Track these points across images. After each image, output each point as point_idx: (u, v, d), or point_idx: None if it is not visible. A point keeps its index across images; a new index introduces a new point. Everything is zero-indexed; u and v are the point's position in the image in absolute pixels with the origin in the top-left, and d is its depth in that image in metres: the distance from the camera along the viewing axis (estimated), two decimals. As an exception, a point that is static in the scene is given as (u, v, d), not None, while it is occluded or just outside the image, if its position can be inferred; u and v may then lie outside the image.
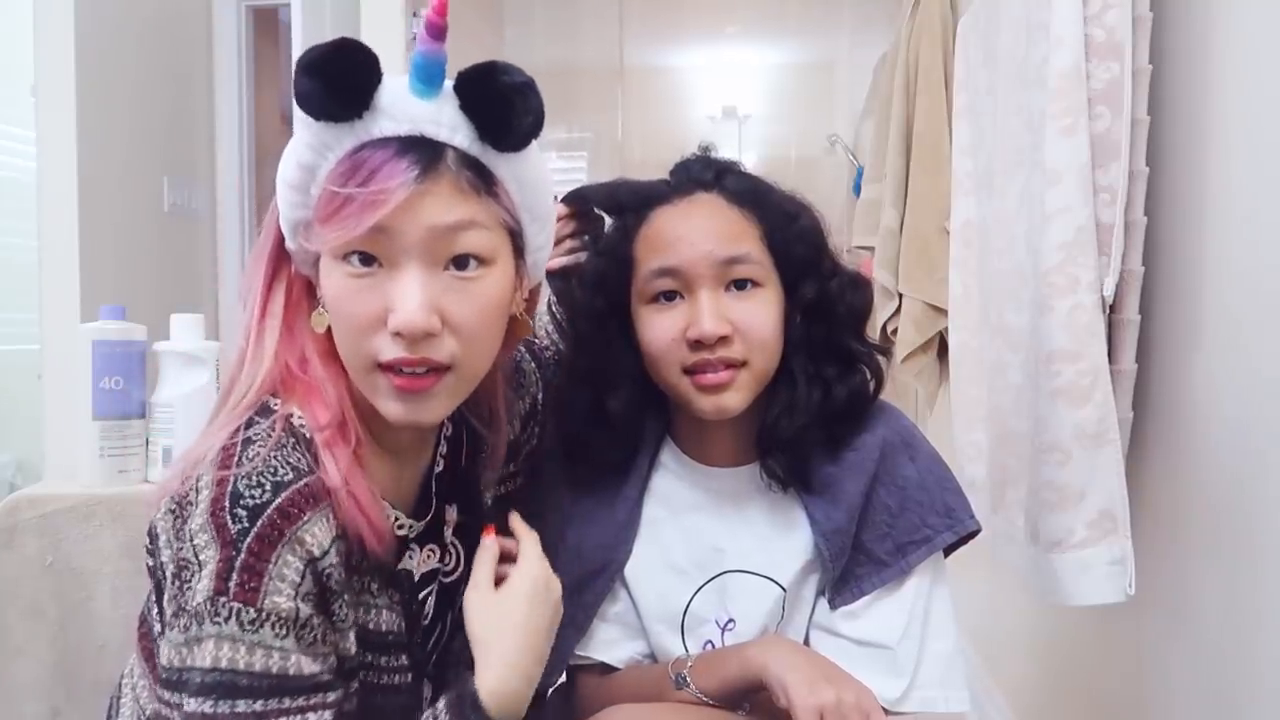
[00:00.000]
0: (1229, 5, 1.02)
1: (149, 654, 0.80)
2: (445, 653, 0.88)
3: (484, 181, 0.72)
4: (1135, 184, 1.08)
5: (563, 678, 0.95)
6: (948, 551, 0.91)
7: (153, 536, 0.74)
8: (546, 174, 0.79)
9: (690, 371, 0.85)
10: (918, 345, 2.21)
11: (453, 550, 0.88)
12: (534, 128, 0.73)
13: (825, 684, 0.77)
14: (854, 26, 3.71)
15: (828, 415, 0.89)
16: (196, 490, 0.69)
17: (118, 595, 1.17)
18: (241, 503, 0.67)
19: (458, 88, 0.72)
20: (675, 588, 0.92)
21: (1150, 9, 1.08)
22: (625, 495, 0.93)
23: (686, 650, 0.91)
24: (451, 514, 0.88)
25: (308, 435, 0.73)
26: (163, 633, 0.71)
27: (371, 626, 0.77)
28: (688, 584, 0.92)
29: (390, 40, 2.62)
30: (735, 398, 0.85)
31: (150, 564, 0.76)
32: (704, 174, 0.92)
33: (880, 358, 0.93)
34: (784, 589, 0.90)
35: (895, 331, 2.31)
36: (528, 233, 0.77)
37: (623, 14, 3.72)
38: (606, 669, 0.94)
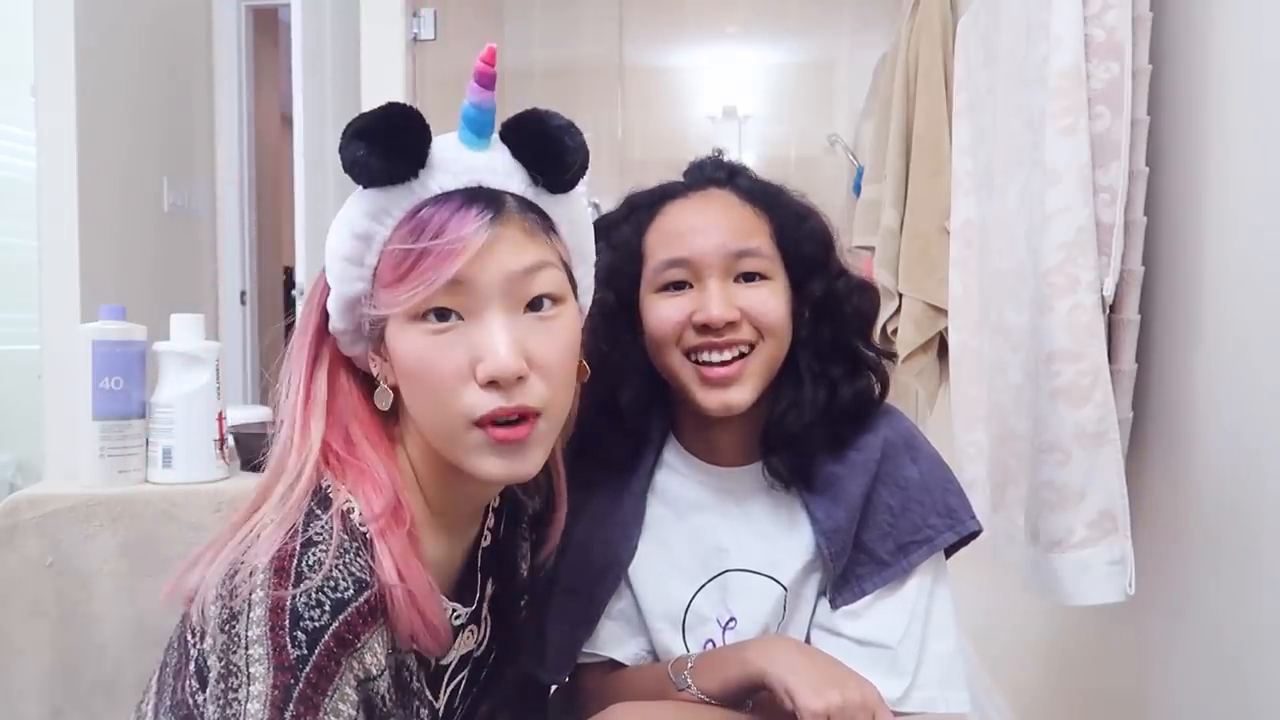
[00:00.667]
0: (1229, 5, 1.02)
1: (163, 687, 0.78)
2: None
3: (545, 223, 0.73)
4: (1135, 184, 1.08)
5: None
6: (949, 552, 0.91)
7: (198, 622, 0.71)
8: (588, 214, 0.80)
9: (695, 357, 0.86)
10: (918, 345, 2.21)
11: (485, 623, 0.86)
12: (583, 168, 0.74)
13: (830, 686, 0.77)
14: (854, 26, 3.71)
15: (833, 415, 0.89)
16: (251, 587, 0.66)
17: (118, 595, 1.17)
18: (301, 625, 0.65)
19: (505, 136, 0.72)
20: (677, 586, 0.92)
21: (1150, 9, 1.08)
22: (630, 493, 0.93)
23: (687, 648, 0.91)
24: (489, 587, 0.87)
25: (365, 532, 0.71)
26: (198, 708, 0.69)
27: None
28: (690, 582, 0.92)
29: (390, 40, 2.63)
30: (742, 392, 0.85)
31: (192, 643, 0.73)
32: (717, 172, 0.94)
33: (886, 362, 0.94)
34: (785, 588, 0.91)
35: (895, 331, 2.31)
36: (576, 274, 0.78)
37: (623, 14, 3.72)
38: (611, 665, 0.94)
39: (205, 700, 0.67)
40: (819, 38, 3.82)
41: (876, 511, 0.89)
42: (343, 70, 2.78)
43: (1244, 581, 0.98)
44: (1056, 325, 1.09)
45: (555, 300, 0.72)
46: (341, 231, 0.72)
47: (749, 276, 0.87)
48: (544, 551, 0.89)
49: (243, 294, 3.45)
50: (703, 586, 0.92)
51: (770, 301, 0.86)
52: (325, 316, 0.76)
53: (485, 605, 0.86)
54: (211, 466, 1.21)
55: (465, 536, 0.83)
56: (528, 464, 0.72)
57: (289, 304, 3.47)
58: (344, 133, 0.69)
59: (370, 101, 2.62)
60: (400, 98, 2.62)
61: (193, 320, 1.22)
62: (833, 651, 0.87)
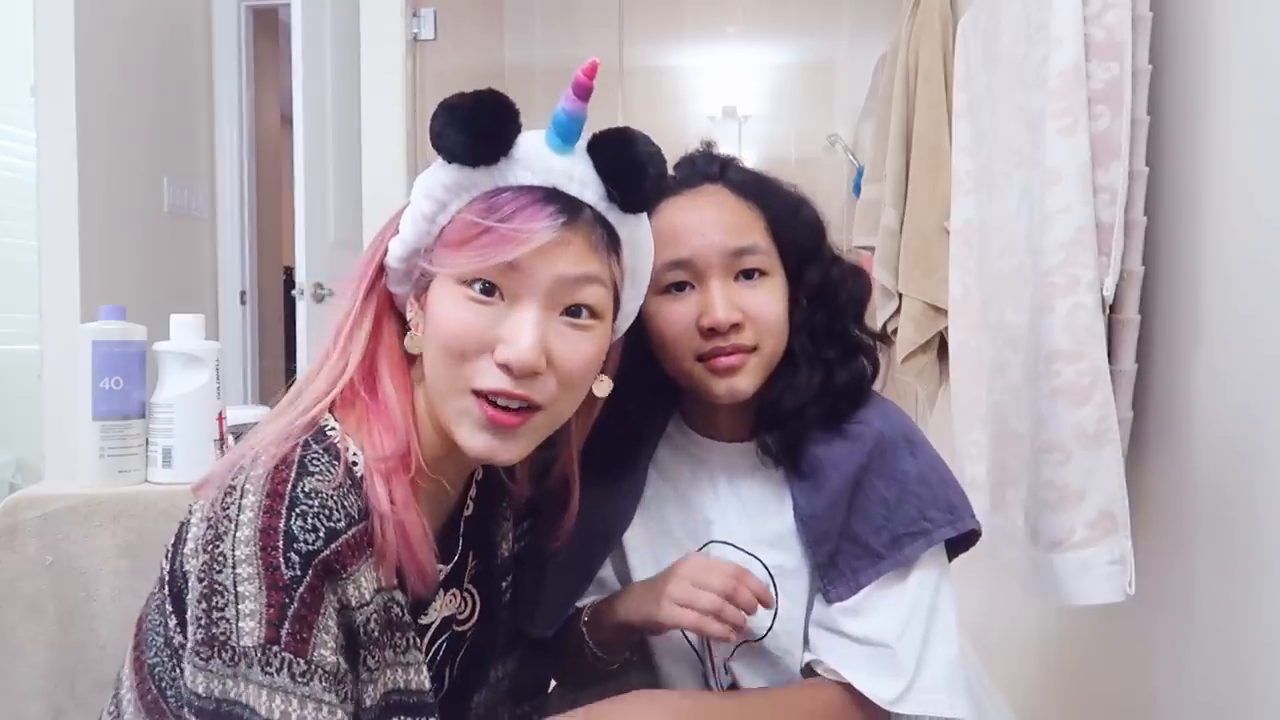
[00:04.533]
0: (1229, 5, 1.02)
1: (140, 666, 0.79)
2: (459, 709, 0.87)
3: (612, 241, 0.76)
4: (1135, 184, 1.08)
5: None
6: (951, 556, 0.91)
7: (180, 539, 0.73)
8: (651, 241, 0.83)
9: (702, 358, 0.88)
10: (918, 345, 2.21)
11: (469, 597, 0.88)
12: (658, 193, 0.80)
13: (679, 588, 0.84)
14: (854, 26, 3.71)
15: (828, 395, 0.91)
16: (240, 508, 0.68)
17: (118, 595, 1.17)
18: (295, 547, 0.66)
19: (593, 149, 0.75)
20: (667, 556, 0.94)
21: (1150, 9, 1.08)
22: (630, 464, 0.96)
23: None
24: (470, 559, 0.88)
25: (360, 475, 0.73)
26: (182, 646, 0.70)
27: (403, 686, 0.76)
28: (678, 553, 0.94)
29: (390, 40, 2.63)
30: (746, 380, 0.88)
31: (168, 567, 0.75)
32: (709, 167, 0.95)
33: (879, 344, 0.96)
34: (766, 566, 0.92)
35: (895, 331, 2.31)
36: (625, 295, 0.81)
37: (623, 14, 3.72)
38: None
39: (189, 622, 0.68)
40: (819, 38, 3.82)
41: (870, 503, 0.89)
42: (343, 70, 2.78)
43: (1244, 581, 0.98)
44: (1056, 325, 1.09)
45: (593, 314, 0.75)
46: (421, 189, 0.76)
47: (748, 274, 0.89)
48: (554, 542, 0.91)
49: (243, 294, 3.45)
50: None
51: (770, 303, 0.89)
52: (386, 253, 0.79)
53: (467, 576, 0.87)
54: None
55: (449, 499, 0.85)
56: (512, 449, 0.75)
57: (289, 304, 3.47)
58: (441, 105, 0.72)
59: (370, 101, 2.62)
60: (400, 98, 2.64)
61: (193, 320, 1.22)
62: (831, 649, 0.88)
